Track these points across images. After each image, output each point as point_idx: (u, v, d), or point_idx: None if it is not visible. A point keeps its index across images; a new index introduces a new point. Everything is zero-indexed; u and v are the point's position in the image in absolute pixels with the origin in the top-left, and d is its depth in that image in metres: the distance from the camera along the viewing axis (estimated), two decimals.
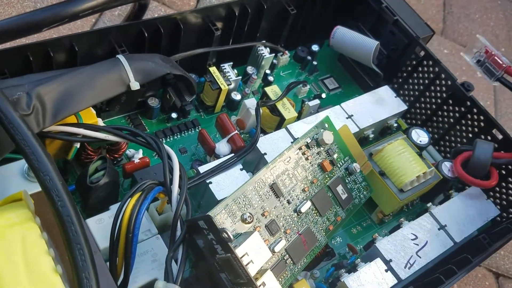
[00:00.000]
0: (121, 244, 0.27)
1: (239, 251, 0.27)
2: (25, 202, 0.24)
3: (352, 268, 0.34)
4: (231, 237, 0.27)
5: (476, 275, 0.67)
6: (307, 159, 0.34)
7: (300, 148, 0.33)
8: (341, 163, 0.35)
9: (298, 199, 0.33)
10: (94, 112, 0.33)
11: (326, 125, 0.35)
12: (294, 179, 0.33)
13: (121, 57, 0.33)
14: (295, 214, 0.32)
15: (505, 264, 0.69)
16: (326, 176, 0.34)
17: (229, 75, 0.40)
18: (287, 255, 0.31)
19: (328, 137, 0.34)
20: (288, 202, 0.32)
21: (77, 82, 0.30)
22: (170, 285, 0.27)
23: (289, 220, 0.32)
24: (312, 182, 0.34)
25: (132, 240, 0.27)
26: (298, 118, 0.42)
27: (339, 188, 0.35)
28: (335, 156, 0.35)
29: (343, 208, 0.35)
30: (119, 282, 0.28)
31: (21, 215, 0.23)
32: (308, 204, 0.33)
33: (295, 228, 0.32)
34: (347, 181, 0.35)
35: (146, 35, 0.36)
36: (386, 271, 0.33)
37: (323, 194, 0.34)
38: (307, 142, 0.34)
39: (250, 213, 0.30)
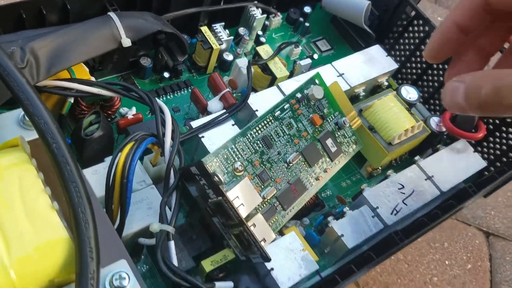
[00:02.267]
0: (116, 191, 0.29)
1: (230, 194, 0.28)
2: (21, 146, 0.25)
3: (340, 216, 0.35)
4: (222, 180, 0.28)
5: (466, 234, 0.69)
6: (297, 113, 0.35)
7: (290, 103, 0.34)
8: (331, 118, 0.36)
9: (288, 151, 0.34)
10: (87, 69, 0.34)
11: (317, 81, 0.36)
12: (284, 132, 0.34)
13: (112, 14, 0.34)
14: (285, 164, 0.33)
15: (495, 224, 0.71)
16: (316, 130, 0.35)
17: (221, 35, 0.41)
18: (277, 202, 0.32)
19: (318, 92, 0.35)
20: (279, 153, 0.33)
21: (70, 38, 0.31)
22: (164, 226, 0.28)
23: (279, 170, 0.33)
24: (302, 136, 0.35)
25: (126, 186, 0.28)
26: (290, 77, 0.42)
27: (329, 142, 0.36)
28: (325, 111, 0.36)
29: (332, 160, 0.36)
30: (115, 227, 0.29)
31: (18, 158, 0.24)
32: (298, 155, 0.34)
33: (285, 178, 0.33)
34: (336, 135, 0.36)
35: None
36: (373, 217, 0.35)
37: (313, 146, 0.35)
38: (297, 97, 0.35)
39: (241, 163, 0.31)
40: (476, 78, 0.19)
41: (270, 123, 0.33)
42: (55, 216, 0.23)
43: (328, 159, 0.36)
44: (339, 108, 0.37)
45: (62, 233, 0.23)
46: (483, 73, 0.19)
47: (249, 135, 0.32)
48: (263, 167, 0.32)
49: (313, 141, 0.35)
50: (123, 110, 0.37)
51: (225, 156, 0.31)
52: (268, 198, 0.32)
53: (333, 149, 0.36)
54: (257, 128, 0.32)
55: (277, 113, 0.33)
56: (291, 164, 0.33)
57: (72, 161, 0.24)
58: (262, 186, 0.32)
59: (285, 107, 0.34)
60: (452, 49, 0.22)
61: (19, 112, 0.28)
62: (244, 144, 0.32)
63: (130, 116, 0.35)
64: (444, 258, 0.66)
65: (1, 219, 0.22)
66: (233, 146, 0.31)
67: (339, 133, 0.36)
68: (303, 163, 0.34)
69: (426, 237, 0.66)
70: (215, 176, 0.28)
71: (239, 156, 0.31)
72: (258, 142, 0.32)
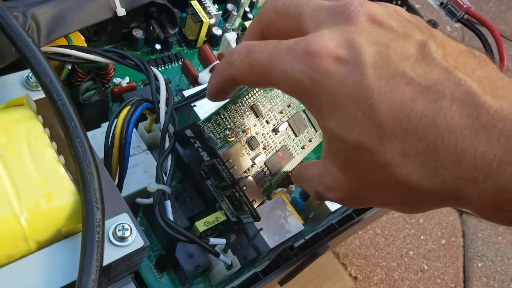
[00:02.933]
0: (115, 151, 0.30)
1: (223, 156, 0.30)
2: (27, 104, 0.26)
3: None
4: (216, 140, 0.30)
5: (441, 211, 0.73)
6: None
7: None
8: None
9: (276, 119, 0.36)
10: (83, 38, 0.35)
11: None
12: (272, 102, 0.36)
13: None
14: (273, 133, 0.35)
15: None
16: None
17: (210, 10, 0.42)
18: (266, 168, 0.34)
19: None
20: (267, 122, 0.35)
21: (68, 6, 0.32)
22: (161, 186, 0.30)
23: (268, 138, 0.35)
24: (289, 106, 0.36)
25: (125, 147, 0.30)
26: None
27: None
28: None
29: (316, 130, 0.38)
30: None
31: (25, 114, 0.26)
32: (285, 124, 0.36)
33: (273, 145, 0.35)
34: None
35: None
36: None
37: (299, 116, 0.37)
38: None
39: (232, 129, 0.33)
40: (303, 183, 0.28)
41: (258, 92, 0.35)
42: (62, 169, 0.24)
43: (312, 130, 0.38)
44: None
45: (68, 184, 0.24)
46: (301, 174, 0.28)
47: (239, 103, 0.34)
48: (252, 133, 0.34)
49: (298, 111, 0.37)
50: (116, 80, 0.38)
51: (217, 122, 0.32)
52: (257, 163, 0.34)
53: None
54: (247, 97, 0.34)
55: None
56: (278, 133, 0.35)
57: (76, 117, 0.25)
58: (252, 152, 0.34)
59: None
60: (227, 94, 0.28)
61: (23, 73, 0.29)
62: (235, 111, 0.33)
63: (124, 84, 0.36)
64: (419, 233, 0.69)
65: (11, 170, 0.23)
66: (225, 113, 0.33)
67: None
68: (290, 132, 0.36)
69: (402, 213, 0.69)
70: (209, 138, 0.29)
71: (230, 122, 0.33)
72: (248, 110, 0.34)
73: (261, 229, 0.33)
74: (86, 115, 0.33)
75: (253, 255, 0.33)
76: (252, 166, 0.33)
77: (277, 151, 0.35)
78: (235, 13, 0.45)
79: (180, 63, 0.43)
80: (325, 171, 0.23)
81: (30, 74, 0.28)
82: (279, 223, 0.34)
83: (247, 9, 0.47)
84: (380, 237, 0.64)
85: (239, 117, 0.33)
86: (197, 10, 0.41)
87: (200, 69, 0.42)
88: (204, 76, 0.40)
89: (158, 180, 0.30)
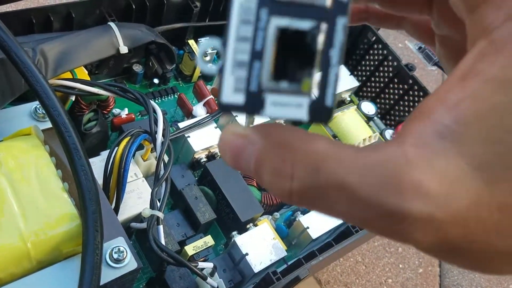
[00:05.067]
0: (113, 178, 0.32)
1: None
2: (35, 135, 0.29)
3: (307, 212, 0.40)
4: None
5: None
6: None
7: None
8: None
9: None
10: (86, 72, 0.38)
11: None
12: None
13: (112, 24, 0.38)
14: None
15: None
16: None
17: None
18: None
19: None
20: None
21: (75, 43, 0.35)
22: (155, 211, 0.32)
23: None
24: None
25: (123, 175, 0.32)
26: None
27: None
28: None
29: None
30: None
31: (33, 143, 0.28)
32: None
33: None
34: None
35: (134, 7, 0.41)
36: None
37: None
38: None
39: None
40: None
41: None
42: (66, 195, 0.27)
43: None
44: None
45: (71, 210, 0.27)
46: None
47: None
48: None
49: None
50: (116, 110, 0.41)
51: None
52: None
53: None
54: None
55: None
56: None
57: (81, 148, 0.27)
58: None
59: None
60: None
61: (31, 105, 0.31)
62: None
63: (123, 116, 0.39)
64: (398, 262, 0.72)
65: (20, 196, 0.26)
66: None
67: None
68: None
69: (382, 242, 0.72)
70: None
71: None
72: None
73: (247, 254, 0.35)
74: (87, 144, 0.36)
75: (238, 278, 0.35)
76: None
77: None
78: None
79: (176, 96, 0.45)
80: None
81: (38, 106, 0.31)
82: (264, 248, 0.36)
83: None
84: (361, 265, 0.66)
85: None
86: (193, 48, 0.45)
87: (194, 102, 0.45)
88: (198, 109, 0.42)
89: (152, 206, 0.32)
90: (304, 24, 0.12)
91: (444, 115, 0.13)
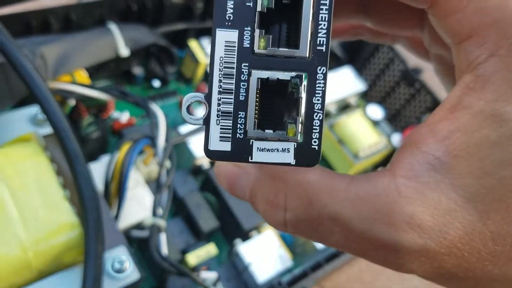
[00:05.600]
0: (114, 184, 0.31)
1: None
2: (35, 140, 0.28)
3: None
4: None
5: None
6: None
7: None
8: None
9: None
10: (87, 75, 0.37)
11: None
12: None
13: (112, 26, 0.37)
14: None
15: None
16: None
17: (207, 50, 0.45)
18: None
19: None
20: None
21: (74, 45, 0.34)
22: (157, 220, 0.31)
23: None
24: None
25: (124, 181, 0.31)
26: None
27: None
28: None
29: None
30: None
31: (33, 150, 0.27)
32: None
33: None
34: None
35: (136, 8, 0.40)
36: None
37: None
38: None
39: None
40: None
41: None
42: (67, 203, 0.26)
43: None
44: None
45: (72, 218, 0.26)
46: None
47: None
48: None
49: None
50: (116, 113, 0.40)
51: None
52: None
53: None
54: None
55: None
56: None
57: (82, 154, 0.26)
58: None
59: None
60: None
61: (30, 110, 0.30)
62: None
63: (123, 119, 0.38)
64: None
65: (20, 204, 0.25)
66: None
67: None
68: None
69: None
70: None
71: None
72: None
73: (250, 263, 0.34)
74: (86, 149, 0.35)
75: None
76: None
77: None
78: None
79: (177, 99, 0.44)
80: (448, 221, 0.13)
81: (38, 111, 0.30)
82: (268, 257, 0.35)
83: None
84: (366, 273, 0.65)
85: None
86: (194, 51, 0.44)
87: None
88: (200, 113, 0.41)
89: (154, 214, 0.31)
90: (285, 76, 0.13)
91: (434, 147, 0.13)
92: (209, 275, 0.32)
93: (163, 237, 0.31)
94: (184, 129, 0.39)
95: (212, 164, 0.40)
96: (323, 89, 0.13)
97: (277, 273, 0.35)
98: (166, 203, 0.32)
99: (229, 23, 0.13)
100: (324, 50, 0.13)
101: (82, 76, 0.36)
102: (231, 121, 0.13)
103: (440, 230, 0.13)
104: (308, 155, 0.13)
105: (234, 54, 0.13)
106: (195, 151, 0.38)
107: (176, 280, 0.33)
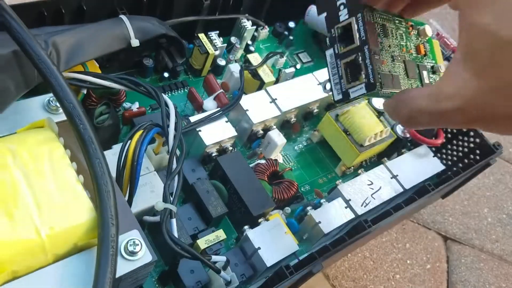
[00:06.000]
0: (126, 172, 0.32)
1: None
2: (49, 127, 0.29)
3: (318, 206, 0.40)
4: None
5: (426, 237, 0.75)
6: (409, 34, 0.35)
7: (407, 23, 0.35)
8: (429, 61, 0.36)
9: (396, 51, 0.33)
10: (98, 65, 0.38)
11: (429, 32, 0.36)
12: (397, 37, 0.34)
13: (123, 17, 0.37)
14: (391, 58, 0.33)
15: (452, 229, 0.78)
16: (418, 58, 0.35)
17: (216, 42, 0.45)
18: (378, 75, 0.31)
19: (428, 30, 0.37)
20: (389, 46, 0.33)
21: (86, 36, 0.35)
22: (168, 205, 0.32)
23: (386, 57, 0.32)
24: (408, 51, 0.34)
25: (136, 168, 0.32)
26: (276, 83, 0.47)
27: (424, 73, 0.35)
28: (427, 51, 0.36)
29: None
30: None
31: (47, 136, 0.28)
32: (402, 58, 0.34)
33: (387, 67, 0.32)
34: (430, 76, 0.36)
35: (145, 0, 0.41)
36: (346, 207, 0.40)
37: (413, 65, 0.35)
38: (411, 24, 0.35)
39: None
40: (395, 102, 0.27)
41: (390, 21, 0.33)
42: (81, 187, 0.27)
43: (420, 84, 0.35)
44: (436, 59, 0.39)
45: (86, 202, 0.26)
46: (399, 97, 0.27)
47: (375, 14, 0.32)
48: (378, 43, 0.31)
49: (414, 61, 0.35)
50: (126, 104, 0.41)
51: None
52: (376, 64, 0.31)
53: (426, 81, 0.35)
54: (382, 15, 0.32)
55: (396, 21, 0.33)
56: (395, 62, 0.33)
57: (96, 140, 0.27)
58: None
59: (402, 23, 0.34)
60: None
61: (44, 98, 0.31)
62: (369, 17, 0.31)
63: (134, 109, 0.39)
64: (406, 257, 0.71)
65: (34, 188, 0.26)
66: (361, 13, 0.30)
67: (432, 76, 0.36)
68: (402, 70, 0.34)
69: (390, 238, 0.72)
70: None
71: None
72: (379, 26, 0.32)
73: (259, 248, 0.35)
74: (99, 137, 0.35)
75: (250, 272, 0.35)
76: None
77: (391, 73, 0.32)
78: (238, 46, 0.48)
79: (186, 90, 0.45)
80: (448, 80, 0.24)
81: (51, 99, 0.31)
82: (276, 243, 0.36)
83: (249, 42, 0.50)
84: (369, 260, 0.66)
85: (372, 23, 0.31)
86: (203, 42, 0.44)
87: (204, 96, 0.45)
88: (209, 103, 0.42)
89: (165, 199, 0.32)
90: (352, 57, 0.30)
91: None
92: (219, 259, 0.33)
93: (174, 222, 0.32)
94: (194, 118, 0.39)
95: (220, 153, 0.41)
96: (370, 57, 0.29)
97: (285, 258, 0.36)
98: (176, 189, 0.33)
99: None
100: (363, 38, 0.29)
101: (94, 66, 0.37)
102: (339, 85, 0.31)
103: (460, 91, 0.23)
104: (370, 85, 0.29)
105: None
106: (205, 139, 0.39)
107: (187, 264, 0.33)
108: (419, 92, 0.25)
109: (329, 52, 0.32)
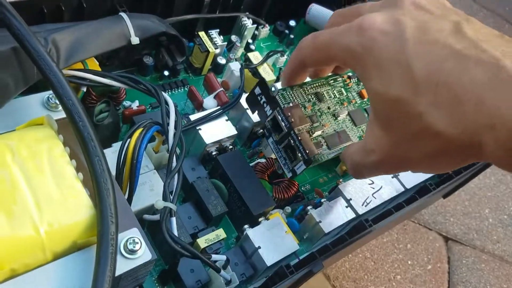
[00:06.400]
0: (126, 170, 0.32)
1: (284, 110, 0.35)
2: (48, 124, 0.28)
3: (318, 206, 0.40)
4: (277, 89, 0.35)
5: (427, 237, 0.75)
6: (348, 85, 0.38)
7: (343, 77, 0.38)
8: None
9: (337, 109, 0.38)
10: (97, 63, 0.37)
11: None
12: (335, 96, 0.37)
13: (123, 14, 0.37)
14: (334, 117, 0.37)
15: (454, 230, 0.78)
16: (364, 102, 0.39)
17: (216, 41, 0.45)
18: (323, 140, 0.37)
19: None
20: (328, 108, 0.37)
21: (86, 33, 0.35)
22: (167, 203, 0.32)
23: (328, 120, 0.37)
24: (351, 102, 0.38)
25: (136, 166, 0.32)
26: (276, 82, 0.47)
27: None
28: None
29: None
30: None
31: (46, 133, 0.28)
32: (345, 113, 0.38)
33: (332, 126, 0.37)
34: None
35: None
36: (347, 207, 0.39)
37: (360, 112, 0.38)
38: (349, 75, 0.39)
39: (296, 104, 0.36)
40: (344, 159, 0.32)
41: (324, 85, 0.36)
42: (80, 185, 0.26)
43: None
44: None
45: (86, 200, 0.26)
46: (343, 154, 0.32)
47: (305, 87, 0.36)
48: (314, 112, 0.36)
49: (360, 108, 0.38)
50: (127, 103, 0.40)
51: (283, 96, 0.36)
52: (315, 135, 0.36)
53: None
54: (312, 85, 0.36)
55: (331, 81, 0.37)
56: (339, 118, 0.37)
57: (96, 137, 0.27)
58: (312, 125, 0.36)
59: (338, 79, 0.37)
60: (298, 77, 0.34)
61: (43, 95, 0.31)
62: (300, 93, 0.36)
63: (134, 107, 0.39)
64: (407, 258, 0.71)
65: (33, 185, 0.25)
66: (291, 92, 0.36)
67: None
68: (349, 121, 0.38)
69: (391, 238, 0.72)
70: (272, 87, 0.34)
71: (295, 99, 0.36)
72: (312, 96, 0.36)
73: (259, 247, 0.35)
74: (99, 135, 0.35)
75: (250, 272, 0.35)
76: (309, 130, 0.36)
77: (336, 131, 0.37)
78: (238, 44, 0.48)
79: (186, 89, 0.45)
80: (368, 136, 0.28)
81: (50, 96, 0.31)
82: (276, 242, 0.36)
83: (250, 40, 0.50)
84: (369, 261, 0.66)
85: (303, 98, 0.36)
86: (204, 40, 0.44)
87: (204, 95, 0.44)
88: (209, 101, 0.42)
89: (165, 198, 0.32)
90: (286, 142, 0.36)
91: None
92: (219, 258, 0.33)
93: (174, 221, 0.32)
94: (194, 117, 0.39)
95: (220, 151, 0.40)
96: (297, 139, 0.35)
97: (285, 257, 0.35)
98: (176, 187, 0.33)
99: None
100: (288, 125, 0.35)
101: (94, 64, 0.37)
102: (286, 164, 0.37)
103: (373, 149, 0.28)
104: (307, 161, 0.35)
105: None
106: (205, 138, 0.39)
107: (187, 263, 0.33)
108: (354, 148, 0.30)
109: (270, 140, 0.37)
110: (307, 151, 0.34)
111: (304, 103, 0.36)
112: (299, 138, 0.34)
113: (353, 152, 0.29)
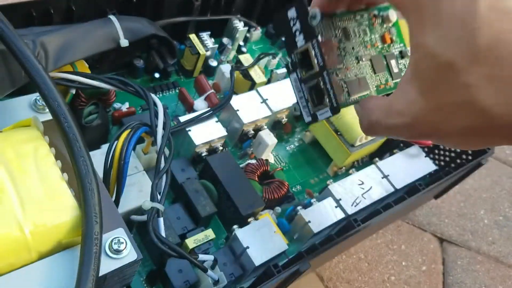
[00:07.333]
0: (114, 171, 0.32)
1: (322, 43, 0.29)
2: (35, 126, 0.29)
3: (308, 206, 0.40)
4: (319, 16, 0.29)
5: (422, 239, 0.75)
6: (373, 25, 0.34)
7: (369, 14, 0.34)
8: (397, 45, 0.36)
9: (360, 51, 0.33)
10: (87, 65, 0.38)
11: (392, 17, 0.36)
12: (360, 35, 0.34)
13: (113, 17, 0.38)
14: (356, 60, 0.33)
15: (448, 231, 0.77)
16: (385, 47, 0.35)
17: (207, 43, 0.46)
18: (344, 85, 0.32)
19: (393, 16, 0.37)
20: (353, 48, 0.33)
21: (75, 35, 0.35)
22: (155, 204, 0.32)
23: (351, 62, 0.33)
24: (374, 45, 0.34)
25: (123, 167, 0.32)
26: (267, 84, 0.47)
27: (393, 62, 0.35)
28: (394, 37, 0.36)
29: (393, 78, 0.36)
30: None
31: (32, 134, 0.28)
32: (368, 56, 0.34)
33: (353, 70, 0.33)
34: (399, 61, 0.36)
35: (134, 0, 0.41)
36: (336, 207, 0.39)
37: (380, 59, 0.35)
38: (375, 13, 0.35)
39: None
40: (359, 112, 0.29)
41: (351, 20, 0.33)
42: (65, 185, 0.27)
43: (389, 76, 0.35)
44: (404, 41, 0.39)
45: (71, 200, 0.26)
46: (360, 107, 0.29)
47: (334, 19, 0.32)
48: (339, 52, 0.32)
49: (380, 54, 0.35)
50: (117, 105, 0.41)
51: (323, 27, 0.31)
52: (339, 76, 0.32)
53: (395, 70, 0.36)
54: (342, 18, 0.32)
55: (358, 17, 0.33)
56: (361, 62, 0.33)
57: (81, 138, 0.27)
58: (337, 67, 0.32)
59: (364, 15, 0.34)
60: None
61: (30, 97, 0.31)
62: (329, 26, 0.31)
63: (124, 109, 0.39)
64: (401, 259, 0.71)
65: (18, 185, 0.26)
66: (320, 23, 0.30)
67: (401, 61, 0.36)
68: (369, 67, 0.34)
69: (385, 239, 0.72)
70: (314, 14, 0.29)
71: (322, 32, 0.31)
72: (339, 30, 0.32)
73: (248, 247, 0.35)
74: (88, 137, 0.36)
75: (239, 272, 0.35)
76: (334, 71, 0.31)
77: (357, 77, 0.33)
78: (230, 47, 0.48)
79: (177, 91, 0.45)
80: (398, 96, 0.25)
81: (37, 98, 0.31)
82: (265, 242, 0.36)
83: (241, 43, 0.50)
84: (364, 262, 0.66)
85: (331, 31, 0.31)
86: (194, 43, 0.44)
87: (195, 97, 0.45)
88: (199, 103, 0.42)
89: (152, 198, 0.32)
90: (314, 82, 0.31)
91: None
92: (206, 258, 0.33)
93: (161, 221, 0.32)
94: (184, 118, 0.39)
95: (209, 152, 0.41)
96: (331, 81, 0.30)
97: (274, 257, 0.36)
98: (164, 188, 0.33)
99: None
100: (322, 64, 0.30)
101: (83, 66, 0.37)
102: (307, 108, 0.32)
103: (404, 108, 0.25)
104: (334, 109, 0.30)
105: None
106: (194, 139, 0.39)
107: (175, 263, 0.33)
108: (376, 104, 0.27)
109: (293, 77, 0.32)
110: (337, 98, 0.30)
111: (331, 38, 0.31)
112: (331, 81, 0.30)
113: (374, 108, 0.27)
